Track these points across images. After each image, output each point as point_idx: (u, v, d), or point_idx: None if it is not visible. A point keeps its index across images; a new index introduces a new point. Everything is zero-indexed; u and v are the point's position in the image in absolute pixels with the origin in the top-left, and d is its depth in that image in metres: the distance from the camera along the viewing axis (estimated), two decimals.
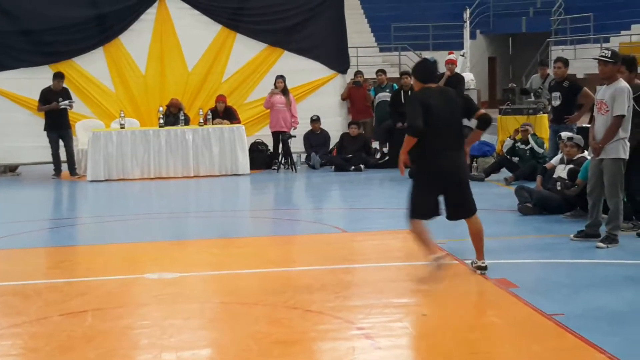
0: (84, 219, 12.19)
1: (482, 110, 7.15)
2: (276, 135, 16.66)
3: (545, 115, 15.61)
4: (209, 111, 16.37)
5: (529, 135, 14.14)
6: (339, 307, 6.57)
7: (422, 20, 32.00)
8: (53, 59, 16.84)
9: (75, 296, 7.01)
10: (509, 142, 14.45)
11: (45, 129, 15.92)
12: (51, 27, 16.80)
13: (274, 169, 16.52)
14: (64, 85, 16.11)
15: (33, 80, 16.01)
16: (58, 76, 16.02)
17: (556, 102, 13.54)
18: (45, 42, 16.85)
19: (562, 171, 10.67)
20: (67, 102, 15.88)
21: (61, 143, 16.00)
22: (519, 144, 14.18)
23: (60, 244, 9.89)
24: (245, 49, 17.40)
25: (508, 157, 14.27)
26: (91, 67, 16.98)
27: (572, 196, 10.20)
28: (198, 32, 17.22)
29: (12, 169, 17.31)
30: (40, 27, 16.81)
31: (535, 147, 13.98)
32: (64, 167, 16.13)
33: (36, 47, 16.82)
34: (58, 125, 15.90)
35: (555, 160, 11.32)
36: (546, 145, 14.00)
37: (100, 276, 7.78)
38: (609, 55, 8.60)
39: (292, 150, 16.56)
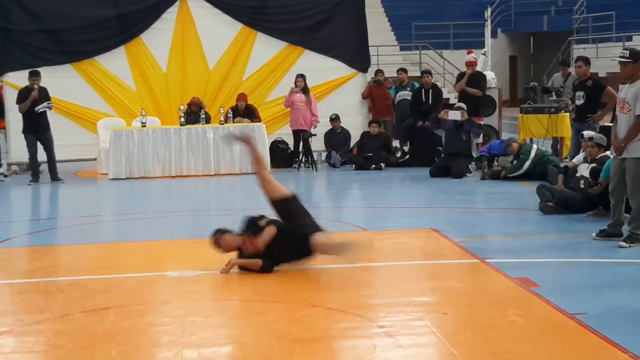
0: (106, 217, 12.25)
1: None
2: (297, 133, 16.68)
3: (567, 114, 15.53)
4: (230, 109, 16.41)
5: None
6: (359, 305, 6.57)
7: (443, 19, 31.95)
8: (74, 57, 16.93)
9: (97, 293, 7.04)
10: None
11: (22, 131, 15.21)
12: (73, 26, 16.90)
13: (295, 168, 16.53)
14: (43, 85, 15.10)
15: (55, 79, 16.02)
16: (32, 74, 15.08)
17: (579, 101, 13.49)
18: (66, 41, 16.94)
19: (585, 170, 10.61)
20: (45, 104, 14.98)
21: (41, 147, 15.06)
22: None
23: (81, 241, 9.93)
24: (265, 48, 17.43)
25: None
26: (113, 66, 17.07)
27: (594, 195, 10.15)
28: (219, 30, 17.27)
29: None
30: (61, 26, 16.90)
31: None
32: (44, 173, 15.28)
33: (58, 46, 16.90)
34: (35, 128, 15.03)
35: (577, 159, 11.26)
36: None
37: (122, 273, 7.82)
38: (628, 55, 8.55)
39: (313, 148, 16.57)
